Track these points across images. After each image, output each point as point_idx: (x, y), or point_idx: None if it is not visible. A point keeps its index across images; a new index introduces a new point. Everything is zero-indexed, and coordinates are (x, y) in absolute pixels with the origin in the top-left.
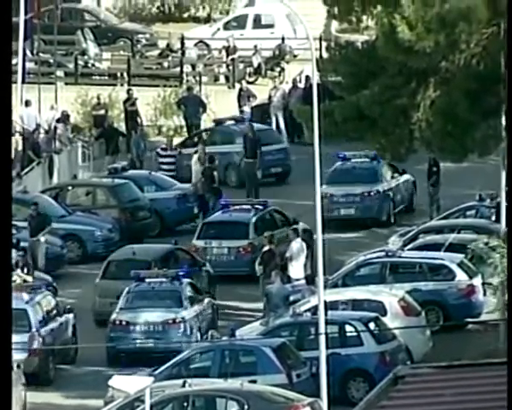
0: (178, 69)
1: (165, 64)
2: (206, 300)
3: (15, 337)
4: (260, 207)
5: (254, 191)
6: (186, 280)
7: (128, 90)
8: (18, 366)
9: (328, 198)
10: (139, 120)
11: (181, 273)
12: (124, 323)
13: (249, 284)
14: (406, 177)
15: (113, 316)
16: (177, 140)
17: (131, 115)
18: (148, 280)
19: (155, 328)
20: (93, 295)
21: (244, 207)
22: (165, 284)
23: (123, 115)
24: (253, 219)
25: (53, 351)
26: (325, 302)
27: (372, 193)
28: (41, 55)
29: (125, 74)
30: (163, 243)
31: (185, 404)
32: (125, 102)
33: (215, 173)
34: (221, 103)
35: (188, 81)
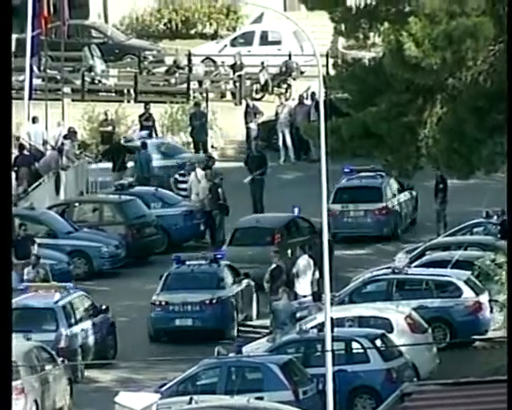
0: (185, 86)
1: (172, 81)
2: (245, 281)
3: (43, 336)
4: (382, 173)
5: (260, 207)
6: (224, 262)
7: (145, 105)
8: (63, 361)
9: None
10: (154, 136)
11: (219, 256)
12: (163, 303)
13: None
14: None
15: (154, 297)
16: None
17: (146, 130)
18: (188, 263)
19: (193, 308)
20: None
21: (369, 173)
22: (204, 267)
23: (130, 132)
24: (384, 184)
25: (82, 350)
26: (332, 319)
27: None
28: (48, 71)
29: (132, 91)
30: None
31: None
32: (140, 116)
33: (220, 190)
34: (227, 120)
35: (195, 98)
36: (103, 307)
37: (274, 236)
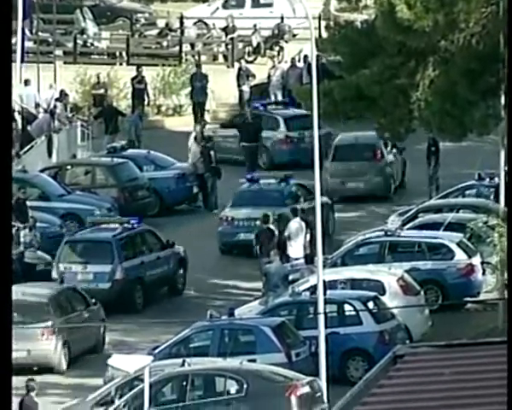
0: (177, 48)
1: (164, 43)
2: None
3: (98, 268)
4: None
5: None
6: (293, 181)
7: (137, 68)
8: (95, 304)
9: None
10: (146, 98)
11: (289, 175)
12: (229, 218)
13: None
14: None
15: (222, 213)
16: (174, 120)
17: (138, 93)
18: (261, 181)
19: (255, 223)
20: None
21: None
22: (273, 185)
23: (122, 95)
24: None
25: (141, 281)
26: (324, 282)
27: None
28: (40, 34)
29: (124, 53)
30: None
31: (184, 383)
32: (133, 78)
33: (212, 153)
34: (220, 83)
35: (187, 60)
36: (170, 242)
37: (375, 151)
